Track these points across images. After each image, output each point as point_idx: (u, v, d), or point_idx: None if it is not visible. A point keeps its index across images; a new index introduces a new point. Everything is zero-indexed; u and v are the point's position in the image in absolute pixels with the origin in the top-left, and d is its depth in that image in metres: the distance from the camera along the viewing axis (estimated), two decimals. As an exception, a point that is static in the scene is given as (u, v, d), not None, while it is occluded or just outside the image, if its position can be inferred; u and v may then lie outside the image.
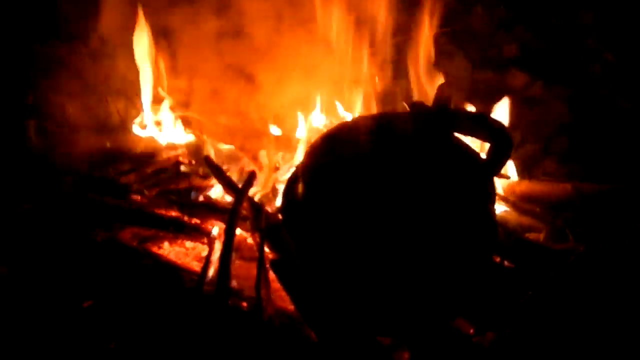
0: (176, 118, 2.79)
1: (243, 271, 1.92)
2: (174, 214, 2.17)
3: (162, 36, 2.89)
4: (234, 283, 1.78)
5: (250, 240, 2.08)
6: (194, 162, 2.63)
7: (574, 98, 3.19)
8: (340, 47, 2.69)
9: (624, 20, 3.32)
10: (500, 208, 2.20)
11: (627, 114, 3.04)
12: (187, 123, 2.82)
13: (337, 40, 2.69)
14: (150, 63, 2.76)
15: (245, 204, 1.98)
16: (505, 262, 1.86)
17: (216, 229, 2.04)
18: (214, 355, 1.58)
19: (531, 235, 2.14)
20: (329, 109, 2.74)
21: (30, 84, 2.84)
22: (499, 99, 2.43)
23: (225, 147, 2.70)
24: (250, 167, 2.43)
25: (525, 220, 2.18)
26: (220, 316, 1.67)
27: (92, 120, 2.80)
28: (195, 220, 2.14)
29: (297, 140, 2.60)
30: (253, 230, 1.97)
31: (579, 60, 3.34)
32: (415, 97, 2.48)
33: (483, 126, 1.61)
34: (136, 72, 2.77)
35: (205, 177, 2.48)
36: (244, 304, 1.75)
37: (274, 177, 2.45)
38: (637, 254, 1.70)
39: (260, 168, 2.46)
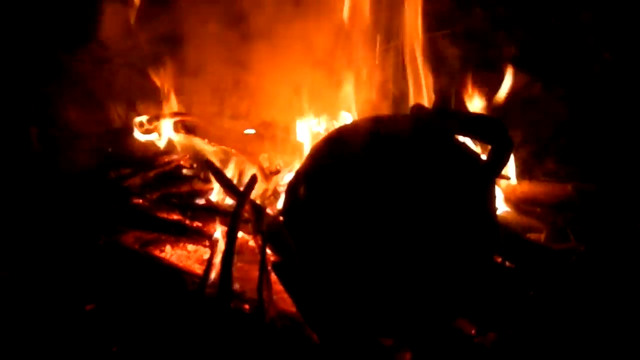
0: (177, 122, 2.79)
1: (245, 274, 1.92)
2: (175, 217, 2.18)
3: (163, 41, 2.90)
4: (236, 285, 1.79)
5: (252, 243, 2.09)
6: (195, 165, 2.64)
7: (573, 98, 3.19)
8: (341, 49, 2.69)
9: (623, 19, 3.33)
10: (501, 208, 2.20)
11: (626, 113, 3.04)
12: (188, 127, 2.82)
13: (338, 43, 2.69)
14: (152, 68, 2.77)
15: (246, 207, 1.99)
16: (507, 263, 1.86)
17: (218, 231, 2.04)
18: (216, 358, 1.58)
19: (532, 236, 2.14)
20: (331, 112, 2.74)
21: (33, 90, 2.85)
22: (499, 100, 2.44)
23: (226, 150, 2.70)
24: (251, 170, 2.44)
25: (526, 220, 2.19)
26: (223, 318, 1.68)
27: (94, 126, 2.81)
28: (197, 224, 2.15)
29: (298, 143, 2.61)
30: (255, 232, 1.98)
31: (578, 60, 3.34)
32: (416, 99, 2.48)
33: (483, 127, 1.62)
34: (137, 78, 2.78)
35: (206, 180, 2.48)
36: (246, 306, 1.76)
37: (275, 180, 2.45)
38: (637, 253, 1.70)
39: (261, 171, 2.46)
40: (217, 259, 1.86)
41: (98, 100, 2.97)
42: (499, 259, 1.85)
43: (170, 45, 2.94)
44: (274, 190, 2.40)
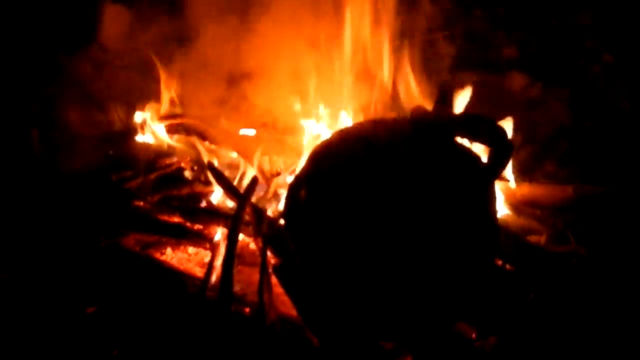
0: (177, 124, 2.79)
1: (246, 276, 1.93)
2: (176, 219, 2.18)
3: (163, 43, 2.91)
4: (236, 288, 1.79)
5: (252, 246, 2.09)
6: (196, 168, 2.64)
7: (573, 99, 3.19)
8: (342, 51, 2.69)
9: (623, 20, 3.33)
10: (501, 211, 2.20)
11: (627, 115, 3.04)
12: (188, 129, 2.82)
13: (339, 44, 2.69)
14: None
15: (247, 210, 1.99)
16: (507, 266, 1.86)
17: (219, 234, 2.04)
18: (217, 361, 1.59)
19: (532, 238, 2.13)
20: (332, 115, 2.74)
21: (34, 92, 2.86)
22: (499, 102, 2.43)
23: (226, 152, 2.70)
24: (252, 172, 2.44)
25: (526, 223, 2.18)
26: (223, 321, 1.68)
27: (95, 128, 2.81)
28: (197, 226, 2.15)
29: (299, 146, 2.61)
30: (255, 235, 1.98)
31: (578, 61, 3.34)
32: (416, 102, 2.48)
33: (483, 130, 1.62)
34: (137, 80, 2.78)
35: (207, 183, 2.48)
36: (247, 309, 1.76)
37: (276, 182, 2.45)
38: (637, 255, 1.71)
39: (262, 173, 2.46)
40: (218, 262, 1.86)
41: (99, 102, 2.97)
42: (500, 262, 1.85)
43: (171, 47, 2.95)
44: (275, 192, 2.40)
